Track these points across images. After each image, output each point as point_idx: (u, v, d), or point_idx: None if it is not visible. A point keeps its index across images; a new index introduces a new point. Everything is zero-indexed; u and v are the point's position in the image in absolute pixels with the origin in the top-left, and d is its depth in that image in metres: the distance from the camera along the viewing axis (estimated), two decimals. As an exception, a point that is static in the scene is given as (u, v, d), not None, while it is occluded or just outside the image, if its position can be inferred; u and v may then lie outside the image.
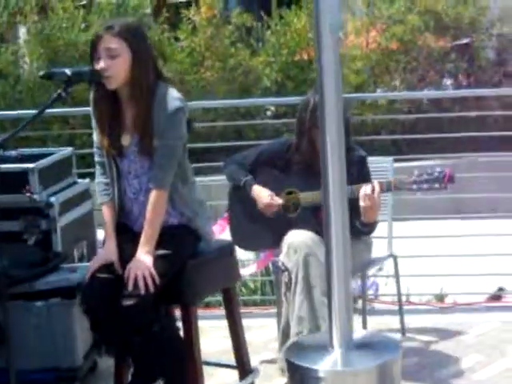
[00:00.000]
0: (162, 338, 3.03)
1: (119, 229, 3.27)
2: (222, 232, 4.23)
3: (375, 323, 4.56)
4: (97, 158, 3.36)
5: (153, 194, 3.14)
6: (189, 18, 10.07)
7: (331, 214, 2.82)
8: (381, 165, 4.35)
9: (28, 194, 4.17)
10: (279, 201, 3.92)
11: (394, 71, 10.03)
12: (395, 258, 4.36)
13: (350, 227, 3.75)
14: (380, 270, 5.20)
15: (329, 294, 2.82)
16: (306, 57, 10.08)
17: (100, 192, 3.33)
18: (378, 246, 4.34)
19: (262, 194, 3.93)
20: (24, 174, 4.17)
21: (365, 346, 2.86)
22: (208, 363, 3.42)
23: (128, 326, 2.98)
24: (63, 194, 4.36)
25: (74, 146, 5.60)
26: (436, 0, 9.94)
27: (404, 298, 5.03)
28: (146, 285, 2.97)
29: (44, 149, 5.08)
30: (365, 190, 3.72)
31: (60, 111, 6.35)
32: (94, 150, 3.36)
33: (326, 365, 2.71)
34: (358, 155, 3.95)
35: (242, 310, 5.04)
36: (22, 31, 10.48)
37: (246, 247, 4.13)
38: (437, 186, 3.67)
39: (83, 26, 9.97)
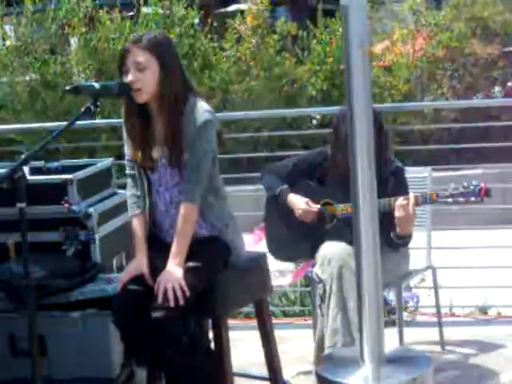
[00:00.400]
0: (193, 351, 3.03)
1: (151, 241, 3.28)
2: (258, 242, 4.22)
3: (415, 335, 4.51)
4: (128, 171, 3.37)
5: (183, 207, 3.15)
6: (234, 28, 10.11)
7: (361, 226, 2.81)
8: (420, 175, 4.30)
9: (67, 205, 4.22)
10: (316, 207, 3.90)
11: (441, 79, 9.95)
12: (434, 269, 4.31)
13: (386, 239, 3.78)
14: (423, 281, 5.15)
15: (359, 308, 2.81)
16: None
17: (131, 204, 3.35)
18: (418, 257, 4.30)
19: (298, 201, 3.92)
20: (63, 184, 4.21)
21: (396, 360, 2.83)
22: (240, 375, 3.42)
23: (158, 338, 2.98)
24: (102, 204, 4.39)
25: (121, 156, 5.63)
26: (483, 7, 9.84)
27: (447, 310, 4.99)
28: (176, 297, 2.97)
29: (84, 160, 5.13)
30: (400, 201, 3.69)
31: (91, 123, 6.34)
32: (126, 162, 3.38)
33: (356, 379, 2.68)
34: (395, 167, 3.91)
35: (282, 320, 5.10)
36: (72, 43, 10.59)
37: (281, 258, 4.11)
38: (473, 199, 3.62)
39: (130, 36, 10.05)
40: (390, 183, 3.85)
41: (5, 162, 4.92)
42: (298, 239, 3.98)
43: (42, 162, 4.80)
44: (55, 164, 4.71)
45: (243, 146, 9.24)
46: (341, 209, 3.87)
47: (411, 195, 3.70)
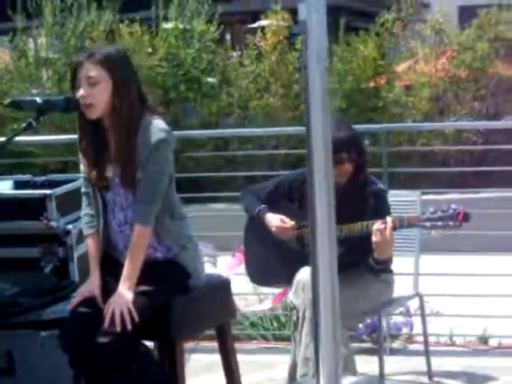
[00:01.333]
0: (142, 377, 2.90)
1: (105, 261, 3.17)
2: (238, 265, 4.10)
3: (404, 365, 4.36)
4: (83, 189, 3.26)
5: (135, 229, 3.03)
6: (254, 44, 10.02)
7: (318, 255, 2.65)
8: (408, 198, 4.15)
9: (45, 221, 4.13)
10: (290, 223, 3.77)
11: (463, 99, 9.77)
12: (421, 296, 4.14)
13: (364, 264, 3.64)
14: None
15: (316, 340, 2.66)
16: (372, 84, 9.91)
17: (85, 224, 3.24)
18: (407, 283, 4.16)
19: (273, 218, 3.80)
20: (42, 200, 4.12)
21: (354, 394, 2.70)
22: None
23: (104, 364, 2.87)
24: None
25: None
26: (507, 27, 9.66)
27: (446, 339, 4.81)
28: (124, 322, 2.86)
29: (65, 175, 5.04)
30: (377, 225, 3.54)
31: (44, 139, 6.22)
32: (81, 180, 3.27)
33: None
34: (375, 189, 3.77)
35: (271, 344, 4.96)
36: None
37: (259, 282, 3.99)
38: (451, 223, 3.46)
39: (149, 50, 10.05)
40: (370, 205, 3.71)
41: (16, 175, 4.87)
42: (276, 263, 3.84)
43: (30, 176, 4.74)
44: (42, 178, 4.63)
45: (260, 163, 9.13)
46: (319, 232, 3.72)
47: (388, 219, 3.55)
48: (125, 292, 2.94)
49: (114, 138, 3.05)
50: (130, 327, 2.85)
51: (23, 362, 3.81)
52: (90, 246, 3.20)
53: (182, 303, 3.05)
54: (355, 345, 4.60)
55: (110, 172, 3.09)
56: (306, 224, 3.79)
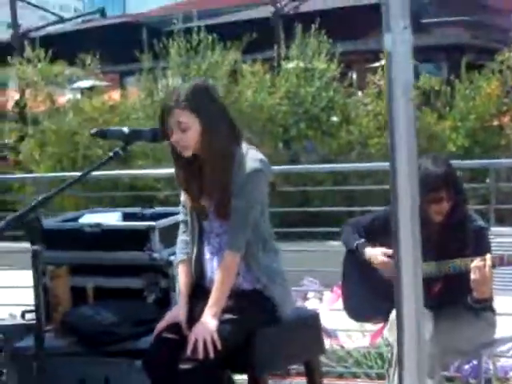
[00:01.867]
0: None
1: (194, 290, 3.22)
2: (337, 300, 4.06)
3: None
4: (181, 217, 3.35)
5: (225, 255, 3.08)
6: (375, 83, 9.99)
7: (403, 294, 2.59)
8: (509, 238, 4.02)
9: (149, 252, 4.21)
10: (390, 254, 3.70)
11: None
12: (527, 338, 3.98)
13: (462, 303, 3.53)
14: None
15: (400, 377, 2.60)
16: (496, 122, 9.70)
17: (179, 250, 3.33)
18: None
19: (375, 252, 3.74)
20: (146, 232, 4.20)
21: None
22: None
23: None
24: (183, 253, 4.35)
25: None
26: None
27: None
28: (206, 350, 2.87)
29: (166, 208, 5.12)
30: (476, 262, 3.44)
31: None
32: (180, 208, 3.35)
33: None
34: (475, 226, 3.67)
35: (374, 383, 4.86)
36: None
37: (356, 318, 3.93)
38: (553, 262, 3.34)
39: (271, 89, 10.18)
40: (470, 243, 3.61)
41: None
42: (374, 298, 3.78)
43: (139, 208, 4.85)
44: (150, 210, 4.72)
45: (378, 198, 9.02)
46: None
47: (488, 256, 3.44)
48: (210, 319, 2.97)
49: (209, 172, 3.11)
50: (211, 355, 2.86)
51: (120, 388, 3.89)
52: (181, 272, 3.27)
53: (267, 335, 3.04)
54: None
55: (206, 202, 3.17)
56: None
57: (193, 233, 3.27)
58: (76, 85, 13.11)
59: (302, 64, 10.21)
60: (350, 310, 3.90)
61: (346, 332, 5.06)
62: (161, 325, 3.14)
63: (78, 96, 12.18)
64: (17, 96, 12.41)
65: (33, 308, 4.59)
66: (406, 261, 2.58)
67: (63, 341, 4.03)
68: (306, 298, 5.63)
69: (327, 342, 5.14)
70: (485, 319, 3.71)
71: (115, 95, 12.70)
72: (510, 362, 4.60)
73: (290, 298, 3.21)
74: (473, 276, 3.44)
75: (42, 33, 15.61)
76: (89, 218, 4.57)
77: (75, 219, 4.62)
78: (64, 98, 11.65)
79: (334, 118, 10.01)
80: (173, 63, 10.42)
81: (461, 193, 3.67)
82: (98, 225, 4.32)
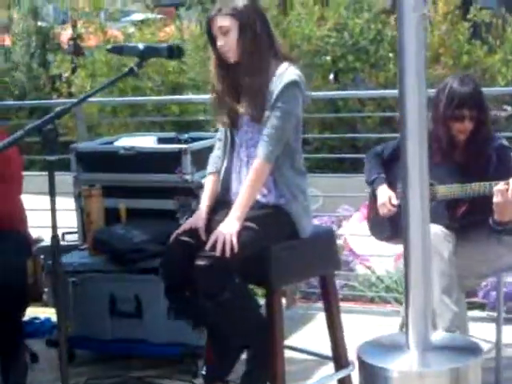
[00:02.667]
0: (234, 307, 3.01)
1: (219, 202, 3.30)
2: (363, 219, 4.12)
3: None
4: (218, 134, 3.45)
5: (255, 163, 3.16)
6: (424, 14, 9.82)
7: (410, 213, 2.63)
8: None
9: (180, 175, 4.30)
10: (394, 203, 3.76)
11: None
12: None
13: (485, 225, 3.56)
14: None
15: (406, 293, 2.66)
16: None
17: (210, 164, 3.42)
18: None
19: (382, 194, 3.82)
20: (178, 154, 4.30)
21: (444, 348, 2.67)
22: (306, 351, 3.36)
23: (199, 287, 2.98)
24: (214, 176, 4.43)
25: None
26: None
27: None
28: (224, 249, 2.96)
29: (203, 133, 5.19)
30: (499, 186, 3.46)
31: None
32: (219, 127, 3.45)
33: (399, 365, 2.56)
34: (498, 145, 3.69)
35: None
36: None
37: (379, 237, 3.98)
38: None
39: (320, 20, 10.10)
40: (493, 163, 3.63)
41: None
42: (395, 220, 3.83)
43: (175, 133, 4.94)
44: (185, 135, 4.81)
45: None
46: (441, 190, 3.68)
47: (511, 180, 3.45)
48: (233, 221, 3.05)
49: (247, 78, 3.20)
50: (228, 254, 2.94)
51: (150, 306, 4.03)
52: (207, 182, 3.37)
53: (283, 249, 3.11)
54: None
55: (242, 109, 3.24)
56: (431, 182, 3.75)
57: (225, 147, 3.37)
58: (129, 18, 13.17)
59: (351, -4, 10.11)
60: (372, 228, 3.97)
61: (378, 257, 5.12)
62: (179, 229, 3.23)
63: (132, 30, 12.23)
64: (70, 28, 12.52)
65: (72, 230, 4.82)
66: (413, 185, 2.64)
67: (96, 258, 4.19)
68: (340, 225, 5.69)
69: (360, 267, 5.25)
70: (506, 244, 3.73)
71: (169, 29, 12.71)
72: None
73: (310, 217, 3.28)
74: (495, 199, 3.46)
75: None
76: (124, 142, 4.68)
77: (111, 143, 4.73)
78: (116, 30, 11.71)
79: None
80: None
81: (485, 112, 3.68)
82: (131, 148, 4.42)
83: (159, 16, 12.39)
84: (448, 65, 9.65)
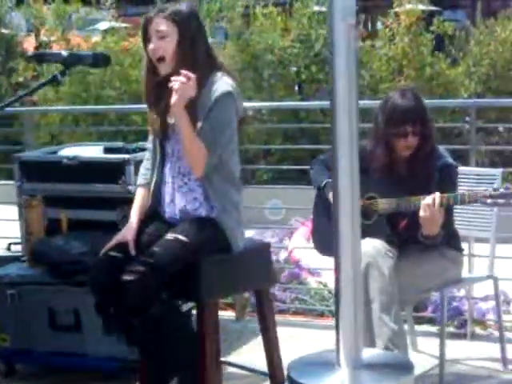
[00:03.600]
0: (161, 324, 2.94)
1: (151, 215, 3.25)
2: (308, 234, 4.06)
3: (479, 350, 4.19)
4: (147, 144, 3.39)
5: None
6: (387, 26, 9.83)
7: (339, 228, 2.58)
8: (488, 176, 3.97)
9: (123, 185, 4.21)
10: None
11: None
12: (495, 279, 3.95)
13: (414, 238, 3.51)
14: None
15: (336, 310, 2.60)
16: (510, 69, 9.52)
17: (140, 175, 3.37)
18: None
19: None
20: (121, 164, 4.21)
21: (375, 366, 2.61)
22: (244, 368, 3.28)
23: (124, 303, 2.92)
24: (158, 187, 4.35)
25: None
26: None
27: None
28: (151, 265, 2.90)
29: (141, 143, 5.12)
30: (426, 200, 3.40)
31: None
32: (149, 136, 3.37)
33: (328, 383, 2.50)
34: (443, 162, 3.63)
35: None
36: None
37: (322, 252, 3.92)
38: (512, 202, 3.29)
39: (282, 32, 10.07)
40: (435, 180, 3.57)
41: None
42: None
43: (123, 143, 4.85)
44: (133, 145, 4.73)
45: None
46: (381, 204, 3.63)
47: (437, 194, 3.40)
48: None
49: None
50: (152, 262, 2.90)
51: (88, 320, 3.93)
52: (137, 194, 3.32)
53: (214, 263, 3.04)
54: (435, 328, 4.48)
55: (172, 119, 3.17)
56: (371, 196, 3.71)
57: (154, 157, 3.29)
58: (94, 27, 13.05)
59: (316, 7, 10.07)
60: (316, 243, 3.91)
61: (329, 270, 5.06)
62: (108, 244, 3.15)
63: (96, 38, 12.13)
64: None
65: (18, 240, 4.71)
66: (343, 194, 2.57)
67: (35, 270, 4.09)
68: (290, 237, 5.63)
69: (311, 280, 5.18)
70: (450, 258, 3.69)
71: (134, 39, 12.62)
72: (488, 304, 4.57)
73: (242, 231, 3.21)
74: (421, 213, 3.42)
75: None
76: (69, 151, 4.58)
77: (56, 152, 4.64)
78: (78, 38, 11.60)
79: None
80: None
81: (428, 127, 3.62)
82: (74, 157, 4.34)
83: (124, 25, 12.31)
84: (411, 76, 9.65)
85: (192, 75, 3.00)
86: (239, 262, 3.12)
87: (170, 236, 3.01)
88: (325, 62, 9.91)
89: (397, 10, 9.75)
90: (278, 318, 4.81)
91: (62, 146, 4.86)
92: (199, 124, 3.08)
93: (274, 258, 5.28)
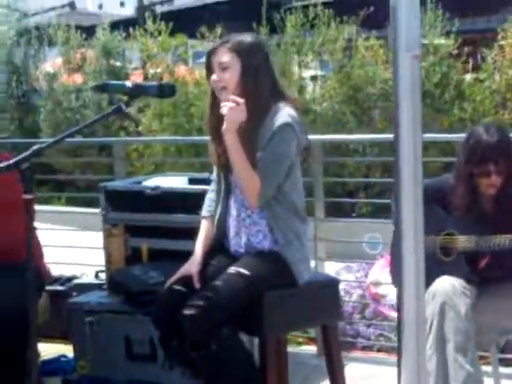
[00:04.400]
0: (222, 359, 2.90)
1: (216, 248, 3.22)
2: (386, 266, 3.97)
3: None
4: (213, 175, 3.39)
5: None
6: (491, 58, 9.63)
7: (404, 264, 2.48)
8: None
9: (204, 216, 4.22)
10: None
11: None
12: None
13: (507, 278, 3.37)
14: None
15: (398, 353, 2.50)
16: None
17: (204, 207, 3.36)
18: None
19: None
20: (202, 195, 4.21)
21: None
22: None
23: (185, 337, 2.91)
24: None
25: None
26: None
27: None
28: (213, 302, 2.87)
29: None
30: None
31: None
32: (214, 167, 3.37)
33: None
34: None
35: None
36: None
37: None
38: None
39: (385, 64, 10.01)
40: None
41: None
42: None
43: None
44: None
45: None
46: (461, 241, 3.51)
47: None
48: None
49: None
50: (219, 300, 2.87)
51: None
52: (202, 227, 3.30)
53: (277, 296, 3.01)
54: None
55: None
56: (451, 232, 3.59)
57: (219, 189, 3.29)
58: (201, 60, 13.26)
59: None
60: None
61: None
62: (173, 277, 3.15)
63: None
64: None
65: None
66: (407, 235, 2.48)
67: (114, 298, 4.13)
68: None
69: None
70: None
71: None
72: None
73: (307, 263, 3.16)
74: None
75: (166, 8, 15.85)
76: (154, 181, 4.63)
77: (141, 182, 4.69)
78: (184, 71, 11.79)
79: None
80: (288, 37, 10.39)
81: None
82: (157, 187, 4.38)
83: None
84: (515, 110, 9.42)
85: (241, 100, 2.98)
86: (303, 296, 3.07)
87: (232, 270, 2.99)
88: (426, 95, 9.78)
89: (502, 42, 9.55)
90: (361, 354, 4.77)
91: (149, 176, 4.92)
92: (258, 154, 3.06)
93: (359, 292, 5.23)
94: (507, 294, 3.45)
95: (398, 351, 2.48)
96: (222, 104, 3.05)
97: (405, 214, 2.48)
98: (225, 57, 3.11)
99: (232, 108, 2.99)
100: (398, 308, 2.48)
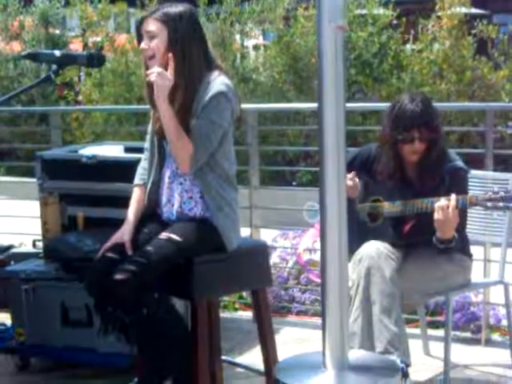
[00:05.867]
0: (153, 322, 2.97)
1: (149, 215, 3.27)
2: (316, 237, 4.06)
3: (492, 356, 4.16)
4: (145, 144, 3.41)
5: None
6: (428, 29, 9.76)
7: (326, 225, 2.58)
8: (501, 180, 3.93)
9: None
10: (356, 181, 3.65)
11: None
12: (506, 285, 3.91)
13: (432, 242, 3.49)
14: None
15: (323, 312, 2.61)
16: None
17: (137, 175, 3.40)
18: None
19: None
20: (137, 163, 4.24)
21: (361, 367, 2.62)
22: (238, 365, 3.30)
23: (116, 302, 2.97)
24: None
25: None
26: None
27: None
28: (143, 264, 2.93)
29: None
30: (440, 203, 3.39)
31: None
32: (147, 136, 3.40)
33: (315, 385, 2.51)
34: (451, 166, 3.61)
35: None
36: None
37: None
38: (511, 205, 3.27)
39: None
40: (445, 184, 3.55)
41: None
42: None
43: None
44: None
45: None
46: (386, 207, 3.63)
47: (453, 197, 3.39)
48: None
49: (173, 88, 3.13)
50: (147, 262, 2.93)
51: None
52: (134, 195, 3.34)
53: (207, 262, 3.07)
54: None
55: None
56: (377, 198, 3.70)
57: (152, 158, 3.32)
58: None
59: (356, 10, 10.04)
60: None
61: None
62: (105, 245, 3.20)
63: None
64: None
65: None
66: (330, 204, 2.57)
67: (50, 266, 4.17)
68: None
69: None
70: (457, 262, 3.66)
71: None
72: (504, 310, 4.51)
73: (238, 230, 3.23)
74: (436, 216, 3.40)
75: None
76: (90, 150, 4.65)
77: (77, 151, 4.71)
78: (123, 39, 11.72)
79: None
80: (227, 7, 10.39)
81: (436, 133, 3.60)
82: (93, 156, 4.40)
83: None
84: (451, 80, 9.57)
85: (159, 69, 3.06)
86: (233, 261, 3.14)
87: (163, 235, 3.05)
88: (365, 65, 9.89)
89: (439, 13, 9.67)
90: (296, 319, 4.87)
91: (86, 145, 4.94)
92: (193, 121, 3.12)
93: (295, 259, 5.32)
94: (432, 257, 3.57)
95: (323, 314, 2.59)
96: (148, 72, 3.10)
97: (328, 179, 2.58)
98: (152, 26, 3.15)
99: (159, 74, 3.04)
100: (322, 272, 2.58)
